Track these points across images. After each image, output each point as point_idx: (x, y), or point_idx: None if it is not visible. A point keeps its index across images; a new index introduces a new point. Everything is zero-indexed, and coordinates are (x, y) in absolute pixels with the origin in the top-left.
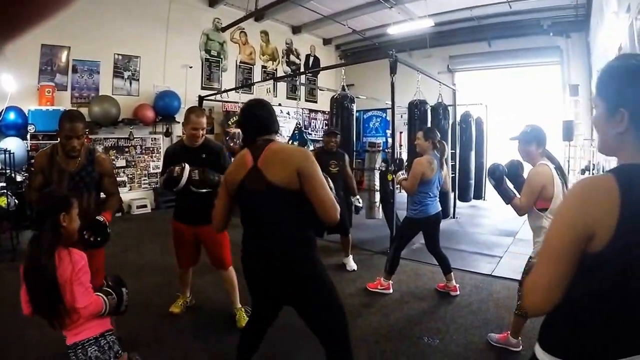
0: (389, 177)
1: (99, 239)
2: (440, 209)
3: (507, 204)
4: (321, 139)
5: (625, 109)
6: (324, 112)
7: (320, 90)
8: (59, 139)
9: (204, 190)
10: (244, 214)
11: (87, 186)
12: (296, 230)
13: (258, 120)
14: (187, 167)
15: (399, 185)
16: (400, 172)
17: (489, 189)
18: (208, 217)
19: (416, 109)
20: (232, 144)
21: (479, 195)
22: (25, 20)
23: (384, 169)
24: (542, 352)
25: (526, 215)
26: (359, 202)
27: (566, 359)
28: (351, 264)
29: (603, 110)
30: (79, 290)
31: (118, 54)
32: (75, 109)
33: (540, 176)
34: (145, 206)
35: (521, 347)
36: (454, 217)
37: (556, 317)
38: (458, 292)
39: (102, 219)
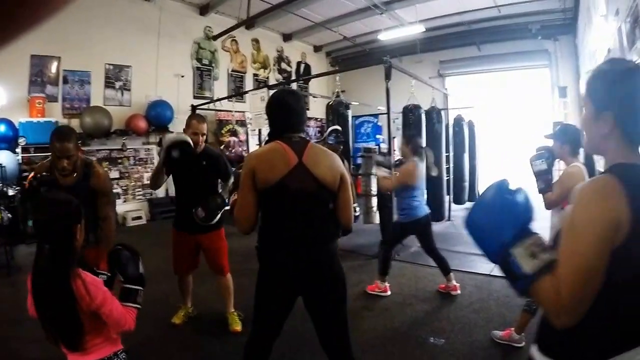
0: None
1: None
2: (429, 211)
3: (540, 193)
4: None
5: (612, 111)
6: (316, 119)
7: (313, 97)
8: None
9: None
10: (277, 211)
11: (83, 201)
12: (333, 228)
13: (293, 113)
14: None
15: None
16: (384, 169)
17: (482, 190)
18: (208, 225)
19: (411, 113)
20: (227, 153)
21: (472, 197)
22: (20, 23)
23: (366, 156)
24: (538, 353)
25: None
26: (357, 211)
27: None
28: None
29: (591, 111)
30: (111, 321)
31: (109, 64)
32: (65, 125)
33: (572, 178)
34: (140, 217)
35: (524, 342)
36: (449, 220)
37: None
38: (459, 292)
39: (105, 278)
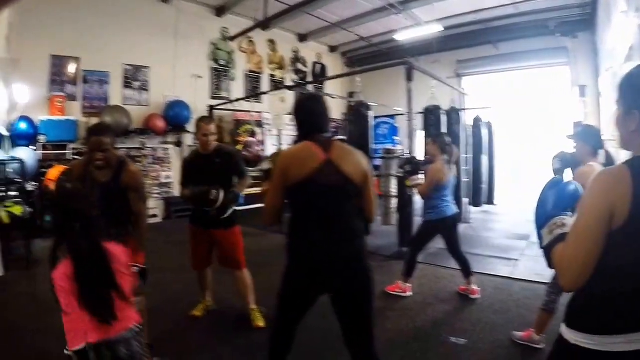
0: (407, 183)
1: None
2: (457, 210)
3: None
4: None
5: (638, 110)
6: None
7: (332, 98)
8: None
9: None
10: (305, 206)
11: (118, 198)
12: (361, 224)
13: (319, 116)
14: (222, 193)
15: (413, 188)
16: (417, 176)
17: (499, 193)
18: (223, 221)
19: (431, 114)
20: (246, 153)
21: (490, 200)
22: None
23: (401, 174)
24: (566, 330)
25: None
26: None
27: (588, 332)
28: None
29: (622, 111)
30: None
31: (127, 65)
32: (103, 121)
33: (583, 177)
34: (156, 216)
35: (544, 344)
36: (467, 222)
37: (579, 294)
38: (478, 295)
39: (138, 269)
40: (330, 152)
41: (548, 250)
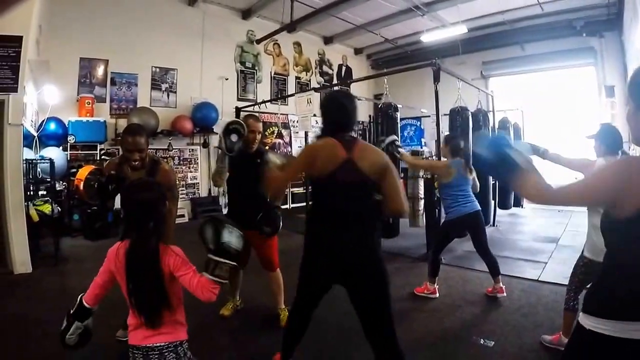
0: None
1: None
2: (479, 208)
3: None
4: None
5: None
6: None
7: (358, 100)
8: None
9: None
10: (325, 202)
11: None
12: (376, 220)
13: (347, 114)
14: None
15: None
16: (409, 151)
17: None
18: (259, 223)
19: (457, 116)
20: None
21: (517, 202)
22: None
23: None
24: (583, 317)
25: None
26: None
27: (605, 317)
28: None
29: (633, 107)
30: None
31: (155, 67)
32: (136, 123)
33: (588, 169)
34: (183, 216)
35: None
36: (493, 225)
37: (599, 283)
38: (505, 294)
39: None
40: (352, 152)
41: (518, 170)
